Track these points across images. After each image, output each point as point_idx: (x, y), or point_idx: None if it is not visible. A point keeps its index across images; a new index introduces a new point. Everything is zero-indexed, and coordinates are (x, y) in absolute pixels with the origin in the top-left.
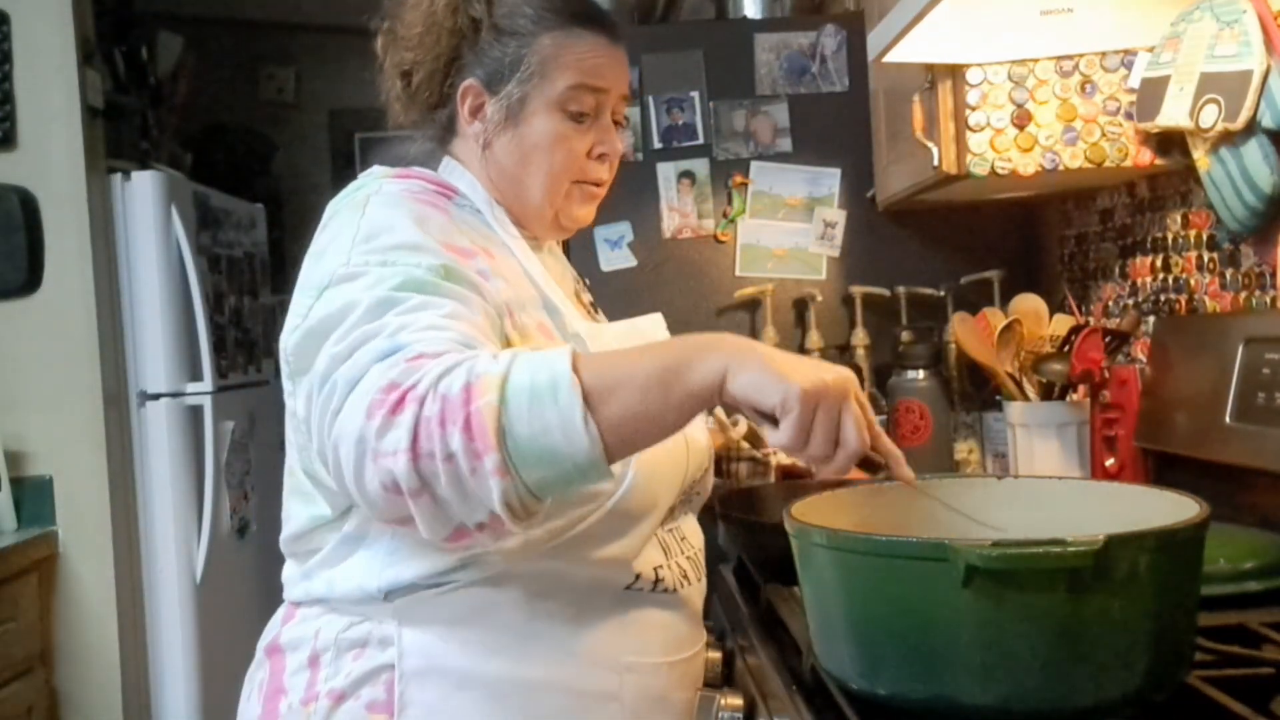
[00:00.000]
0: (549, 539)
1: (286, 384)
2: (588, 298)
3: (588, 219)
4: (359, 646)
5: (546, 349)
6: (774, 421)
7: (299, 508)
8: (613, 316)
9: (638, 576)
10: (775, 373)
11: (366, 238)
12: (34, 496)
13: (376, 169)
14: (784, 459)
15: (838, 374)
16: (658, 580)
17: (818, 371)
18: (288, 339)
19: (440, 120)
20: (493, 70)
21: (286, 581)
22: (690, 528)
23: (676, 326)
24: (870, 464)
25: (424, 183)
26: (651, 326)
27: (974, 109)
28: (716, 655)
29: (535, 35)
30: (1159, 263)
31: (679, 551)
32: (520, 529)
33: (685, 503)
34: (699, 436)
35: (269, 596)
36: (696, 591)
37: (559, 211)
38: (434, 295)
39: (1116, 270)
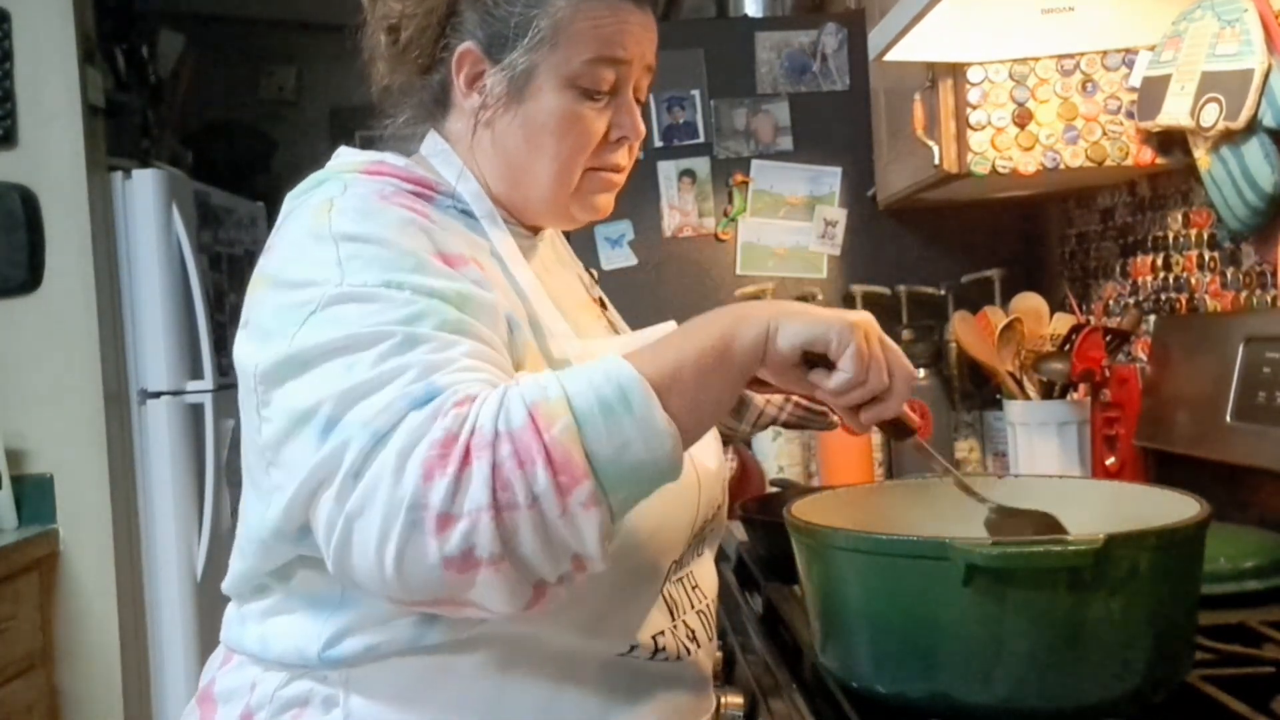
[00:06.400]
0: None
1: (252, 414)
2: (598, 292)
3: (606, 209)
4: (299, 706)
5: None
6: (826, 367)
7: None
8: None
9: (632, 647)
10: (818, 318)
11: (354, 253)
12: (35, 494)
13: (344, 154)
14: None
15: (865, 315)
16: (658, 649)
17: (853, 313)
18: (257, 356)
19: (432, 88)
20: (495, 33)
21: (225, 622)
22: (703, 571)
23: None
24: (900, 425)
25: (397, 180)
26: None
27: (975, 108)
28: (718, 655)
29: None
30: (1160, 262)
31: (688, 606)
32: (603, 567)
33: (698, 544)
34: (709, 463)
35: None
36: (705, 654)
37: (571, 203)
38: (454, 331)
39: (1117, 269)
